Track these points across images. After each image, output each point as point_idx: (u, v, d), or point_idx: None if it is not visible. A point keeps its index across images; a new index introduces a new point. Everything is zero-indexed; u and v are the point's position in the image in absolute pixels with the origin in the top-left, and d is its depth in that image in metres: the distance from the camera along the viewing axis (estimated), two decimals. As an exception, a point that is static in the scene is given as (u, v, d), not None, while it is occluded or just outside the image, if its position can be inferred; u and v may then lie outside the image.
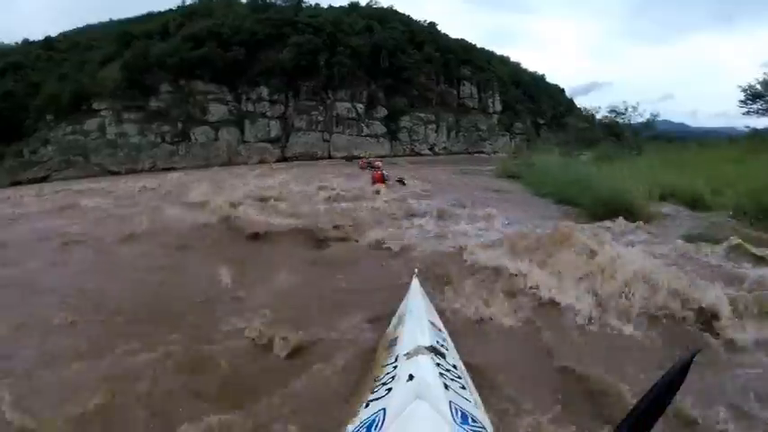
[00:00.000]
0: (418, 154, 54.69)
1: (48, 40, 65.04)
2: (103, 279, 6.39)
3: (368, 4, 66.19)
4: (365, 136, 52.66)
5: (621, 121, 19.79)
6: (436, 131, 58.62)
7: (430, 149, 57.14)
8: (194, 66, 49.36)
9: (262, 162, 45.43)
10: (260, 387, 3.24)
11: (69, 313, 4.83)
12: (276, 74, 50.53)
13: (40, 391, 3.44)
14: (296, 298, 5.16)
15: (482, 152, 62.00)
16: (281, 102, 51.23)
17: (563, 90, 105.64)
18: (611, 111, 19.83)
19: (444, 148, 59.20)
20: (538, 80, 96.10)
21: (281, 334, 3.87)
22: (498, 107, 70.89)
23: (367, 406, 1.61)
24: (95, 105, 50.35)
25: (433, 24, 70.43)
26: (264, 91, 50.48)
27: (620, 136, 25.79)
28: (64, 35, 67.27)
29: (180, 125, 48.76)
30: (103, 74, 51.39)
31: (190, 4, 60.45)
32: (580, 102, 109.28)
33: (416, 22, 68.16)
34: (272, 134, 50.06)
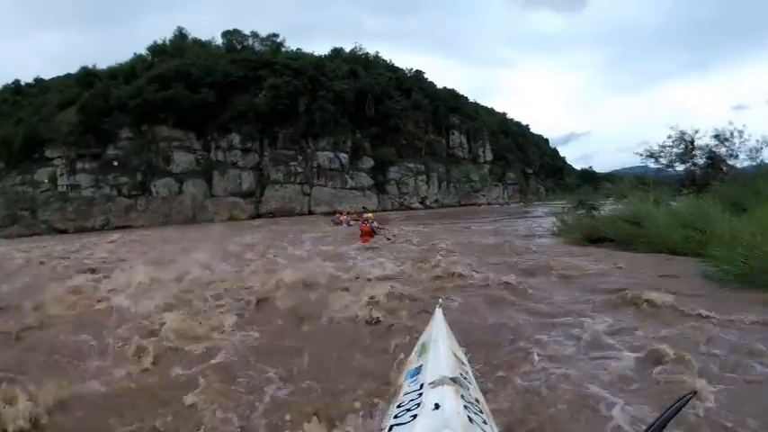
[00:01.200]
0: (408, 207, 48.66)
1: (17, 84, 58.74)
2: None
3: (352, 50, 61.10)
4: (350, 188, 46.54)
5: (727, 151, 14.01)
6: (427, 183, 52.78)
7: (421, 202, 51.22)
8: (158, 109, 43.09)
9: (231, 219, 38.82)
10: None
11: None
12: (250, 119, 44.63)
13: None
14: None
15: (476, 204, 56.45)
16: (254, 150, 45.08)
17: (547, 140, 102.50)
18: (715, 136, 14.19)
19: (436, 200, 53.31)
20: (524, 130, 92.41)
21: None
22: (489, 156, 66.05)
23: (390, 430, 1.56)
24: (48, 153, 44.09)
25: (419, 72, 65.64)
26: (236, 138, 44.31)
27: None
28: (36, 80, 60.49)
29: (139, 176, 42.23)
30: (61, 118, 44.99)
31: (160, 45, 54.40)
32: (560, 152, 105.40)
33: (402, 70, 63.32)
34: (245, 187, 43.57)
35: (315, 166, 45.64)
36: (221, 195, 42.64)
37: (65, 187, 42.73)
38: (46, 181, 43.46)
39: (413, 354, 2.65)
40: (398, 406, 1.76)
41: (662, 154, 16.29)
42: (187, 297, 6.03)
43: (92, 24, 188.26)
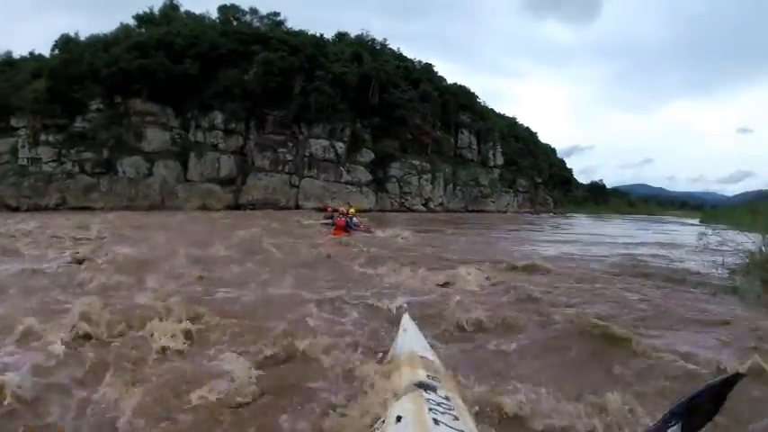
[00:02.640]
0: (410, 209, 42.49)
1: (8, 54, 52.66)
2: None
3: (358, 36, 54.73)
4: (345, 183, 40.30)
5: None
6: (432, 183, 46.42)
7: (424, 204, 44.94)
8: (134, 79, 36.92)
9: (204, 209, 32.73)
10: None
11: None
12: (236, 97, 38.30)
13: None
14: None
15: (483, 210, 50.40)
16: (239, 132, 38.88)
17: (554, 149, 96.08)
18: None
19: (441, 203, 47.08)
20: (534, 137, 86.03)
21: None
22: (500, 160, 59.83)
23: None
24: (14, 122, 38.23)
25: (429, 65, 59.27)
26: (219, 117, 38.11)
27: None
28: (30, 53, 54.15)
29: (105, 152, 36.10)
30: (34, 86, 38.88)
31: (147, 13, 48.25)
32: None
33: (411, 60, 57.01)
34: (223, 173, 37.36)
35: (307, 154, 39.47)
36: (196, 181, 36.49)
37: (25, 160, 37.00)
38: (7, 152, 37.77)
39: (384, 368, 2.81)
40: (370, 426, 1.81)
41: None
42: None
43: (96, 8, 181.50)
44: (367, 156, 42.42)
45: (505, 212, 52.11)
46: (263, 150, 38.62)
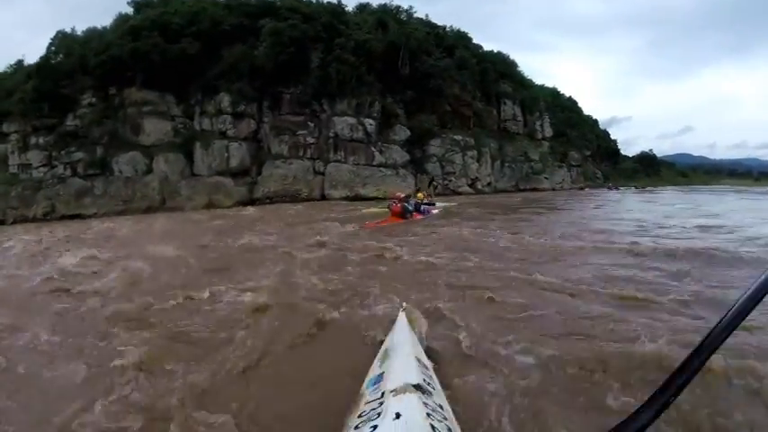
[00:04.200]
0: (454, 191, 35.34)
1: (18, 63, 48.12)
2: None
3: (381, 5, 47.27)
4: (378, 166, 33.34)
5: None
6: (478, 161, 39.00)
7: (470, 185, 37.65)
8: (126, 66, 30.97)
9: (210, 206, 26.52)
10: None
11: None
12: (245, 75, 31.84)
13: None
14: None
15: (537, 189, 43.02)
16: (250, 116, 32.37)
17: (596, 121, 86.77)
18: None
19: (489, 183, 39.68)
20: (577, 108, 77.11)
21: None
22: (549, 132, 52.08)
23: None
24: (5, 127, 32.98)
25: (463, 33, 51.53)
26: (226, 99, 31.69)
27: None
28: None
29: (99, 151, 30.27)
30: (23, 87, 33.63)
31: (145, -1, 42.13)
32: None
33: (442, 27, 49.47)
34: (234, 163, 30.92)
35: (331, 135, 32.65)
36: (203, 175, 30.18)
37: (15, 167, 31.79)
38: (-1, 160, 32.65)
39: (375, 361, 2.53)
40: (359, 416, 1.67)
41: None
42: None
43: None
44: (401, 133, 35.36)
45: (558, 190, 45.24)
46: (280, 134, 31.98)
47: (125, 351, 3.65)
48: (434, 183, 30.39)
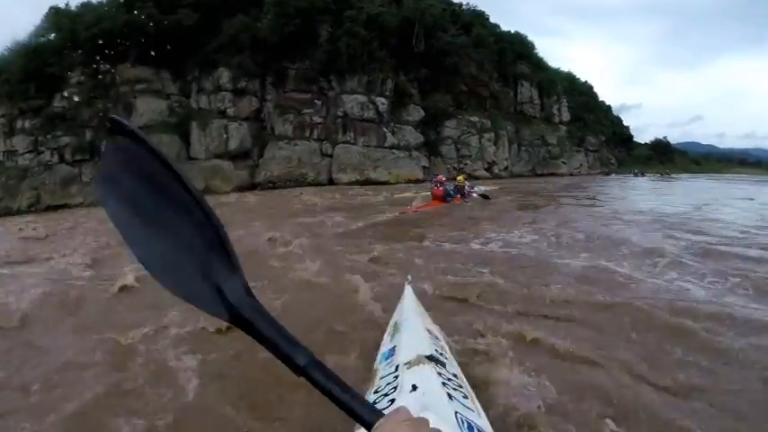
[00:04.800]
0: (471, 176, 32.38)
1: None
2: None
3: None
4: (390, 147, 30.54)
5: None
6: (495, 144, 36.18)
7: (487, 169, 34.88)
8: (119, 40, 28.24)
9: (207, 192, 23.89)
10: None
11: None
12: (247, 49, 29.05)
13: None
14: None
15: (554, 174, 40.36)
16: (252, 93, 29.60)
17: (610, 107, 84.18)
18: None
19: (506, 167, 36.90)
20: (593, 93, 74.42)
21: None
22: (566, 116, 49.13)
23: None
24: None
25: (480, 11, 48.42)
26: (225, 75, 28.91)
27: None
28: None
29: (88, 134, 27.56)
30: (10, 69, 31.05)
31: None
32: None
33: (459, 4, 46.43)
34: (234, 145, 28.19)
35: (340, 114, 29.87)
36: (200, 158, 27.47)
37: (1, 155, 29.16)
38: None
39: (385, 335, 2.51)
40: (375, 392, 1.64)
41: None
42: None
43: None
44: (415, 113, 32.54)
45: (576, 175, 42.96)
46: (285, 113, 29.24)
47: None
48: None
